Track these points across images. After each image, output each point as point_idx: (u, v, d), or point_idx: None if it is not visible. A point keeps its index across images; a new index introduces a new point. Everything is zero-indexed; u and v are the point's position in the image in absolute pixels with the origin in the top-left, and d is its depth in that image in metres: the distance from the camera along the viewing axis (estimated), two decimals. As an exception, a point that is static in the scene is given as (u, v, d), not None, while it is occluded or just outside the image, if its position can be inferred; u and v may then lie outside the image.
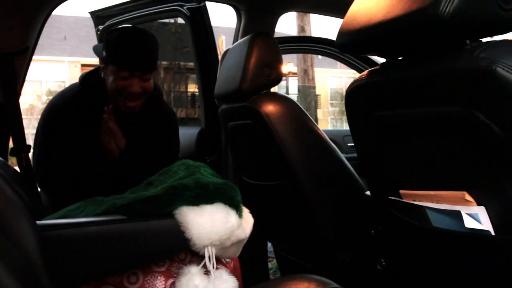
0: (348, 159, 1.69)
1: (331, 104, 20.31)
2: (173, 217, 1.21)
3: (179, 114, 9.98)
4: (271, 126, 1.57)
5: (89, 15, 2.67)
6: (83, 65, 17.97)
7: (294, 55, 11.29)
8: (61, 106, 1.65)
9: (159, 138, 1.75)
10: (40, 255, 0.78)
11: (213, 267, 1.21)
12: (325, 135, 1.65)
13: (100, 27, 2.57)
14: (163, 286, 1.25)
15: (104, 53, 1.61)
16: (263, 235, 2.16)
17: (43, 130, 1.65)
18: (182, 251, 1.28)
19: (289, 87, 17.71)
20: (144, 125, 1.71)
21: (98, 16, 2.59)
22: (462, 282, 1.07)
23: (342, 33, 1.08)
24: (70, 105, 1.64)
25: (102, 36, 2.58)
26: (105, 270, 1.13)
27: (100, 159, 1.62)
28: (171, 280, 1.27)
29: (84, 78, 1.70)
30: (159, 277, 1.25)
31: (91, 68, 1.75)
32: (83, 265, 1.09)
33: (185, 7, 2.17)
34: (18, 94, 1.68)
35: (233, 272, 1.39)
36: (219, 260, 1.38)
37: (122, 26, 1.66)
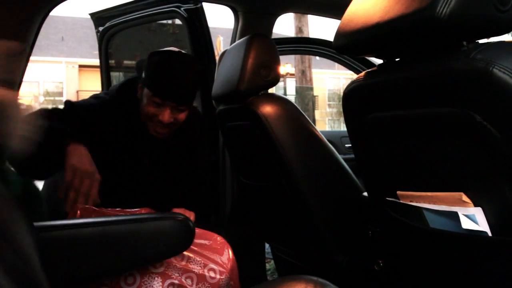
0: (346, 160, 1.70)
1: (329, 105, 20.34)
2: (171, 219, 1.22)
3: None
4: (269, 127, 1.57)
5: (87, 16, 2.67)
6: (80, 66, 17.96)
7: (292, 56, 11.29)
8: (95, 105, 1.60)
9: (188, 158, 1.71)
10: (37, 257, 0.78)
11: None
12: (323, 136, 1.65)
13: (100, 28, 2.58)
14: (160, 287, 1.25)
15: (143, 74, 1.56)
16: (261, 236, 2.16)
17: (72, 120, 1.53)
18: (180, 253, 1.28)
19: (287, 88, 17.75)
20: (176, 145, 1.67)
21: (98, 18, 2.59)
22: (459, 283, 1.08)
23: (339, 34, 1.08)
24: (104, 106, 1.59)
25: (101, 38, 2.59)
26: (102, 271, 1.14)
27: (122, 170, 1.58)
28: (168, 281, 1.27)
29: (120, 87, 1.65)
30: (156, 278, 1.25)
31: (130, 77, 1.70)
32: (80, 266, 1.09)
33: (182, 8, 2.17)
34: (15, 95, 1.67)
35: (229, 274, 1.39)
36: (215, 262, 1.38)
37: (167, 49, 1.57)
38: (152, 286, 1.26)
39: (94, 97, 1.67)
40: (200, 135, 1.77)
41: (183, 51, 1.61)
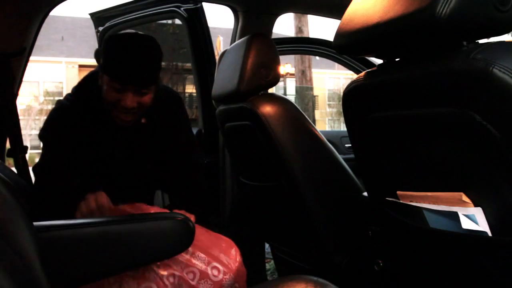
0: (346, 160, 1.70)
1: (329, 105, 20.32)
2: (171, 219, 1.22)
3: (176, 115, 9.95)
4: (269, 127, 1.57)
5: (87, 16, 2.67)
6: (80, 66, 17.94)
7: (292, 56, 11.29)
8: (56, 118, 1.56)
9: (169, 132, 1.65)
10: (37, 257, 0.78)
11: None
12: (323, 136, 1.65)
13: (100, 28, 2.58)
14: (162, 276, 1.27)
15: (101, 61, 1.48)
16: (261, 236, 2.16)
17: (42, 141, 1.57)
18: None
19: (287, 88, 17.74)
20: (149, 117, 1.59)
21: (98, 18, 2.59)
22: (459, 283, 1.07)
23: (339, 34, 1.08)
24: (65, 116, 1.53)
25: (101, 38, 2.59)
26: (102, 271, 1.13)
27: (98, 167, 1.54)
28: (169, 271, 1.28)
29: (78, 86, 1.60)
30: (156, 269, 1.27)
31: (91, 70, 1.65)
32: (80, 266, 1.09)
33: (182, 8, 2.17)
34: (15, 94, 1.68)
35: (235, 275, 1.39)
36: (220, 261, 1.38)
37: (123, 32, 1.53)
38: (154, 275, 1.26)
39: (55, 108, 1.60)
40: (174, 114, 1.69)
41: (140, 33, 1.55)
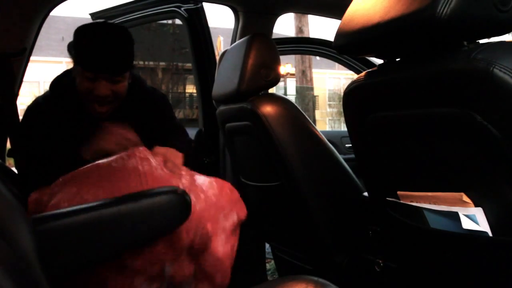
0: (346, 160, 1.70)
1: (329, 105, 20.32)
2: (165, 193, 1.19)
3: (177, 115, 9.99)
4: (269, 127, 1.57)
5: (87, 16, 2.66)
6: (81, 66, 17.93)
7: (292, 56, 11.30)
8: (32, 113, 1.53)
9: (155, 125, 1.61)
10: (36, 257, 0.78)
11: None
12: (323, 136, 1.65)
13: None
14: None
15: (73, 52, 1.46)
16: (261, 236, 2.16)
17: (19, 137, 1.55)
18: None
19: (287, 88, 17.74)
20: (134, 117, 1.55)
21: (98, 18, 2.58)
22: (460, 282, 1.07)
23: (340, 34, 1.08)
24: (41, 112, 1.51)
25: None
26: (102, 255, 1.12)
27: (74, 161, 1.45)
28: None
29: (54, 80, 1.57)
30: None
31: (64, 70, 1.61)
32: (80, 252, 1.08)
33: (182, 8, 2.17)
34: (15, 94, 1.68)
35: (205, 206, 1.33)
36: (201, 188, 1.34)
37: (92, 22, 1.52)
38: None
39: (30, 106, 1.56)
40: (160, 112, 1.66)
41: (108, 22, 1.54)
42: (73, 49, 1.44)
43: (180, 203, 1.19)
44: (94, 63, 1.40)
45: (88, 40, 1.41)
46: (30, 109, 1.54)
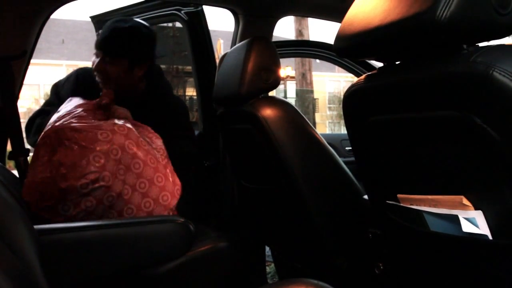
0: (346, 163, 1.69)
1: (329, 108, 20.33)
2: (171, 222, 1.22)
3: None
4: (269, 130, 1.57)
5: (87, 19, 2.67)
6: (81, 69, 17.93)
7: (292, 59, 11.30)
8: (64, 80, 1.83)
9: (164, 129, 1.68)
10: (37, 259, 0.78)
11: None
12: (323, 139, 1.65)
13: (100, 31, 2.57)
14: None
15: None
16: (261, 239, 2.16)
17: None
18: None
19: (287, 91, 17.73)
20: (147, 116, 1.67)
21: (98, 21, 2.59)
22: (460, 286, 1.07)
23: (339, 37, 1.08)
24: (73, 79, 1.80)
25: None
26: (103, 273, 1.13)
27: None
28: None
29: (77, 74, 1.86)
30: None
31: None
32: (81, 268, 1.09)
33: (182, 11, 2.17)
34: (16, 97, 1.68)
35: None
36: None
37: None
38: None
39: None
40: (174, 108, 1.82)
41: (138, 20, 1.76)
42: None
43: (184, 232, 1.21)
44: (97, 40, 1.68)
45: (106, 25, 1.68)
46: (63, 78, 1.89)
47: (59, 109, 1.52)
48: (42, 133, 1.41)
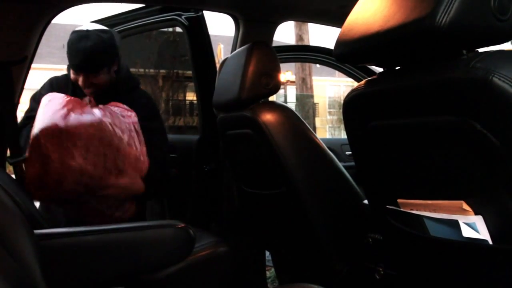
0: (346, 167, 1.69)
1: (329, 113, 20.34)
2: (171, 227, 1.21)
3: (177, 122, 9.99)
4: (269, 135, 1.57)
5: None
6: (81, 74, 17.93)
7: (292, 64, 11.31)
8: (39, 91, 1.88)
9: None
10: (37, 264, 0.78)
11: None
12: (323, 143, 1.65)
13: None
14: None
15: None
16: (261, 243, 2.16)
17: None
18: None
19: (287, 96, 17.74)
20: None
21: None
22: (460, 291, 1.07)
23: (339, 43, 1.08)
24: (47, 86, 1.90)
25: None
26: (103, 279, 1.13)
27: None
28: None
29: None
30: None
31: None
32: (81, 274, 1.09)
33: (183, 17, 2.18)
34: (15, 103, 1.68)
35: None
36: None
37: (80, 27, 1.78)
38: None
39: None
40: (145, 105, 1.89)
41: (95, 25, 1.83)
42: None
43: (184, 237, 1.21)
44: (73, 64, 1.75)
45: (71, 43, 1.73)
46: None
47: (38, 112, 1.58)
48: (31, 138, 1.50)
